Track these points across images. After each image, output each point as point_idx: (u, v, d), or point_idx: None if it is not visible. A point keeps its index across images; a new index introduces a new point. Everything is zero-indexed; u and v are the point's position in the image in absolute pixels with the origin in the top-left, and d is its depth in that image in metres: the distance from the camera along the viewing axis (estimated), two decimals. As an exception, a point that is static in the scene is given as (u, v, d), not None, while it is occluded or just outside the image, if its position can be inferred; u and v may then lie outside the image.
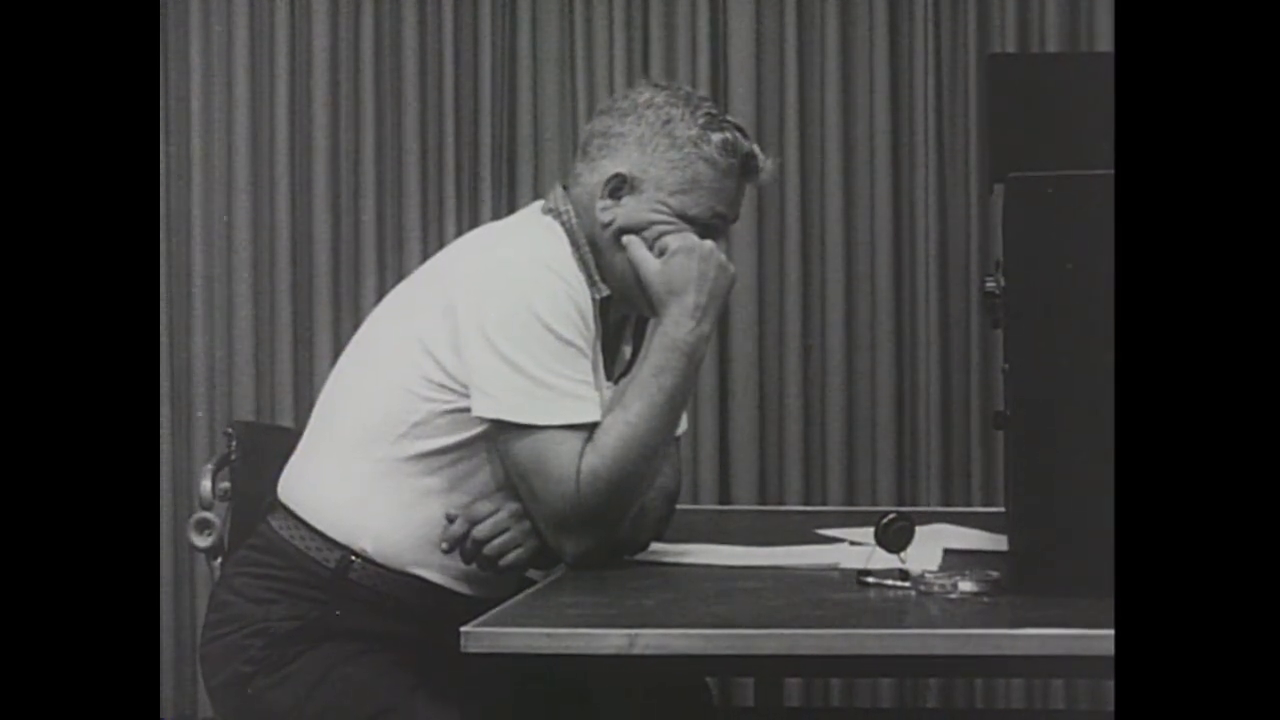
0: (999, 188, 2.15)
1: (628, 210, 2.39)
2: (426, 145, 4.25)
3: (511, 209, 4.20)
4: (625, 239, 2.38)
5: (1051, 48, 4.12)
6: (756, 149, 2.43)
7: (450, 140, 4.24)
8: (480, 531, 2.31)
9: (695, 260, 2.34)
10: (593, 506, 2.25)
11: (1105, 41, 4.06)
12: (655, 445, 2.30)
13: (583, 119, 4.19)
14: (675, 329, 2.33)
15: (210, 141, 4.25)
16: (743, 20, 4.21)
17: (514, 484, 2.30)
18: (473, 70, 4.25)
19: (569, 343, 2.29)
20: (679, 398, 2.32)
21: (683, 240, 2.36)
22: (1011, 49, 4.13)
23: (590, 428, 2.28)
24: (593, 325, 2.35)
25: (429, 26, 4.25)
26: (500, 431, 2.29)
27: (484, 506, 2.32)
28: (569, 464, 2.25)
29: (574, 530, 2.26)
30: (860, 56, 4.22)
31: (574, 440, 2.27)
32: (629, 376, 2.44)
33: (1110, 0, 3.98)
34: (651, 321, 2.41)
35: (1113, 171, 1.75)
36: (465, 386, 2.30)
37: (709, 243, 2.36)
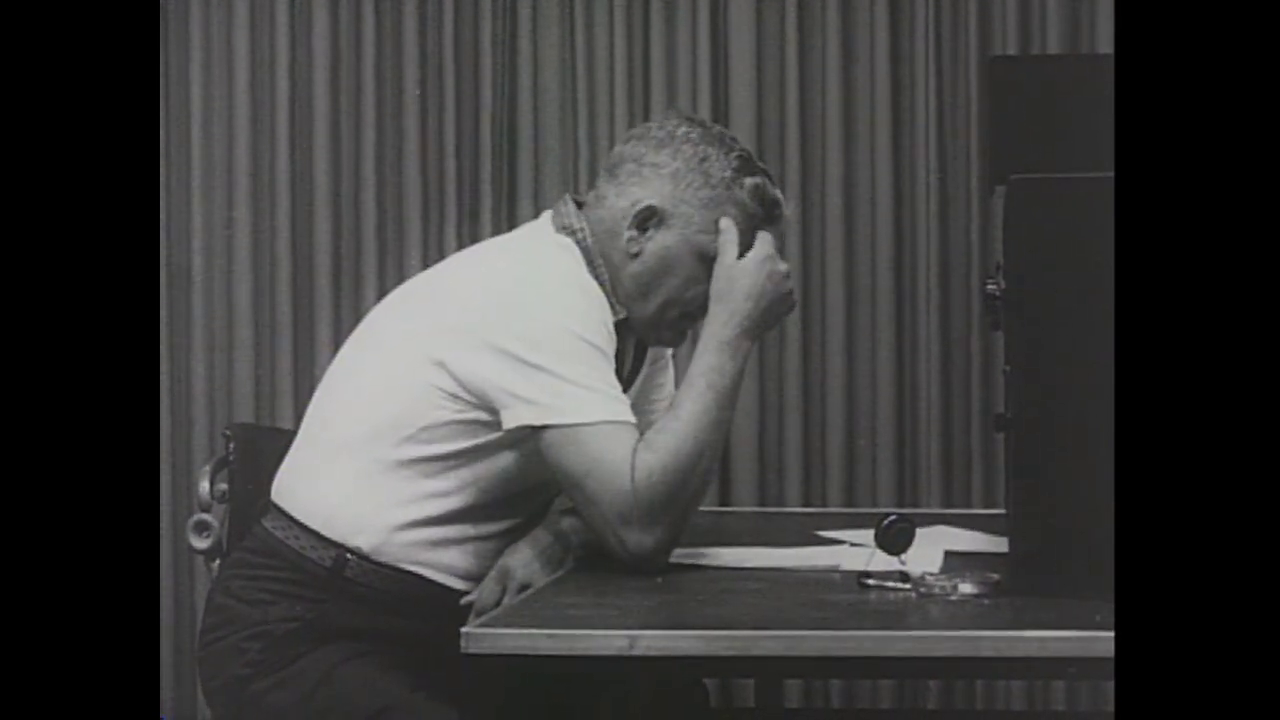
0: (1000, 189, 2.15)
1: (657, 245, 2.40)
2: (427, 147, 4.25)
3: (512, 211, 4.20)
4: (723, 222, 2.39)
5: (1052, 49, 4.11)
6: (781, 196, 2.45)
7: (450, 142, 4.24)
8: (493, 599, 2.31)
9: (764, 274, 2.35)
10: (649, 501, 2.23)
11: (1106, 43, 4.05)
12: (707, 442, 2.28)
13: (583, 122, 4.19)
14: (721, 329, 2.34)
15: (210, 141, 4.25)
16: (743, 23, 4.21)
17: (567, 491, 2.30)
18: (473, 72, 4.25)
19: (603, 352, 2.30)
20: (727, 395, 2.31)
21: (767, 248, 2.37)
22: (1012, 51, 4.12)
23: (633, 428, 2.28)
24: (614, 341, 2.36)
25: (429, 28, 4.25)
26: (547, 439, 2.27)
27: (491, 588, 2.32)
28: (623, 460, 2.24)
29: (634, 526, 2.24)
30: (861, 57, 4.21)
31: (624, 436, 2.26)
32: (631, 391, 2.45)
33: (1110, 2, 3.98)
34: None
35: (1113, 173, 1.74)
36: (477, 398, 2.30)
37: (786, 266, 2.38)
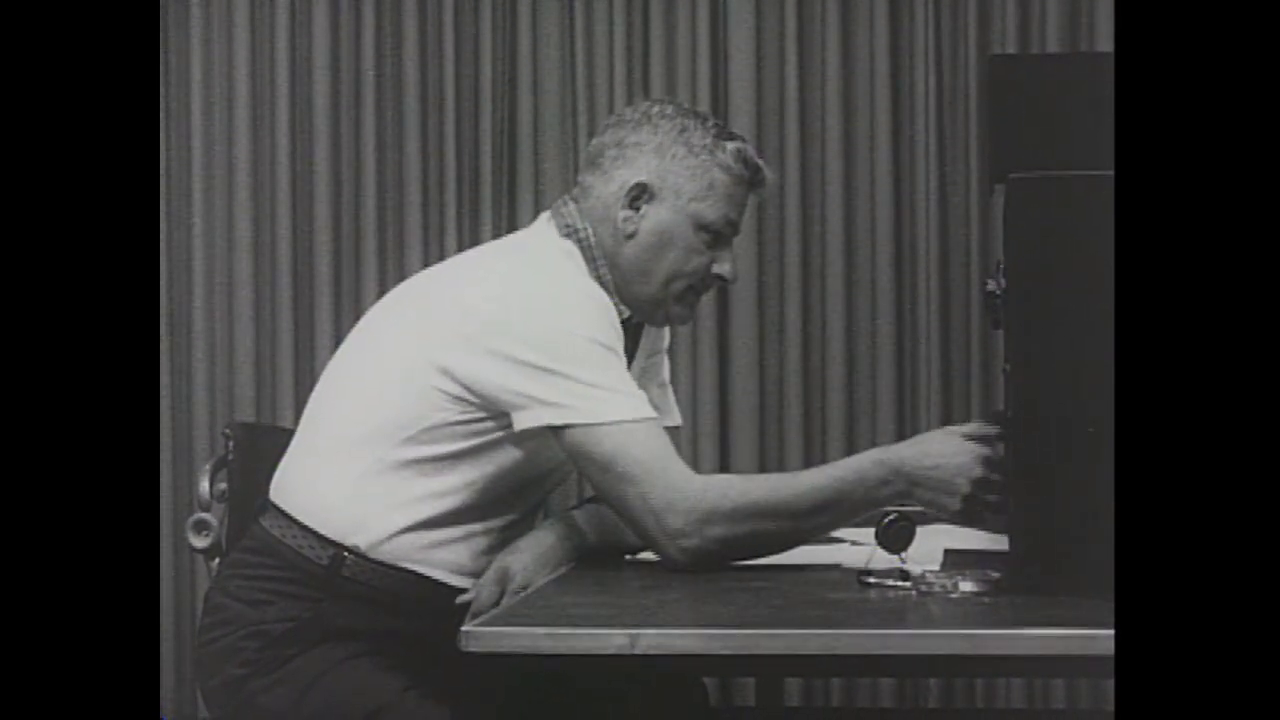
0: (1000, 188, 2.15)
1: (652, 220, 2.40)
2: (427, 147, 4.25)
3: (512, 210, 4.21)
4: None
5: (1052, 48, 4.12)
6: (761, 161, 2.46)
7: (450, 141, 4.24)
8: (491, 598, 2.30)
9: (963, 465, 2.24)
10: (712, 507, 2.21)
11: (1105, 41, 4.06)
12: (797, 514, 2.25)
13: (583, 121, 4.20)
14: (895, 459, 2.26)
15: (210, 142, 4.25)
16: (743, 22, 4.21)
17: (598, 484, 2.28)
18: (473, 72, 4.25)
19: (615, 352, 2.30)
20: (843, 506, 2.26)
21: (982, 469, 2.24)
22: (1012, 49, 4.13)
23: (659, 422, 2.28)
24: (622, 339, 2.36)
25: (429, 29, 4.25)
26: (572, 439, 2.26)
27: (489, 589, 2.31)
28: (661, 451, 2.23)
29: (681, 514, 2.21)
30: (861, 56, 4.22)
31: (655, 430, 2.26)
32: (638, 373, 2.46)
33: (1111, 1, 3.98)
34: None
35: (1113, 172, 1.74)
36: (483, 400, 2.29)
37: (993, 483, 2.24)
